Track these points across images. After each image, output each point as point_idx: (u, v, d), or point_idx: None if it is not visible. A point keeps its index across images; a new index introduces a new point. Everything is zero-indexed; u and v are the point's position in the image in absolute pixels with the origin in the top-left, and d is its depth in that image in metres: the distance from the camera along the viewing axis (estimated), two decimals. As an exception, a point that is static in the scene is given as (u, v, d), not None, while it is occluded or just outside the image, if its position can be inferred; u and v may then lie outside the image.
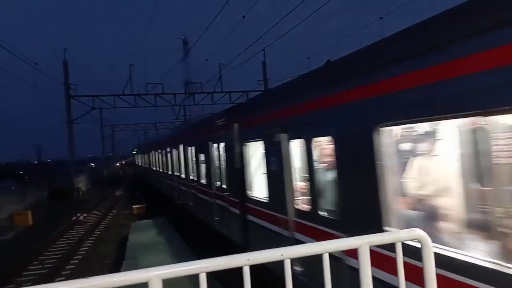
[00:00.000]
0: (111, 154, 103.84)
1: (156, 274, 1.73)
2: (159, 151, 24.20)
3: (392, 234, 1.85)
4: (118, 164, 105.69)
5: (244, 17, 19.79)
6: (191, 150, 14.07)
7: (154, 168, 27.76)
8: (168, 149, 19.83)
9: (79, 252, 14.95)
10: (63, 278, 11.61)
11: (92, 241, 16.78)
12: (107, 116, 65.82)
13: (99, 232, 18.69)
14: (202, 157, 12.32)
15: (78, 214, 23.05)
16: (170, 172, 19.71)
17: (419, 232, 1.80)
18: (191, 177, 14.29)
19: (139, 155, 45.83)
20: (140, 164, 44.94)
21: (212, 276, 8.99)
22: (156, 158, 26.49)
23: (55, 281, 1.83)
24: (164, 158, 21.87)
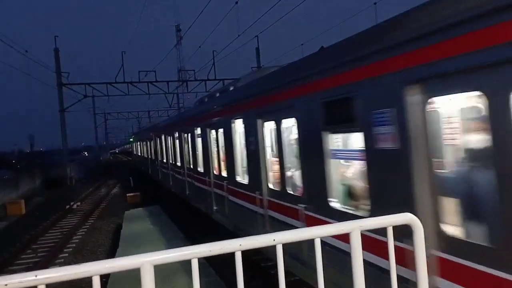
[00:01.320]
0: (104, 143, 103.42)
1: (148, 260, 1.72)
2: (175, 135, 15.97)
3: (384, 219, 1.86)
4: (110, 152, 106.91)
5: (237, 2, 19.57)
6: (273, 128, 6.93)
7: (164, 161, 19.58)
8: (199, 132, 11.91)
9: (73, 241, 14.95)
10: (57, 266, 11.63)
11: (85, 230, 16.77)
12: (100, 104, 65.25)
13: (92, 221, 18.68)
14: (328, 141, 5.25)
15: (72, 203, 22.99)
16: (195, 168, 12.63)
17: (410, 216, 1.82)
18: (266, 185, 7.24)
19: (139, 143, 36.75)
20: (139, 154, 35.29)
21: (207, 262, 9.07)
22: (168, 148, 18.17)
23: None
24: (186, 148, 13.88)
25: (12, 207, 22.22)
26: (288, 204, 6.21)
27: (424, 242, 1.81)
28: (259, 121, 7.09)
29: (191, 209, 14.04)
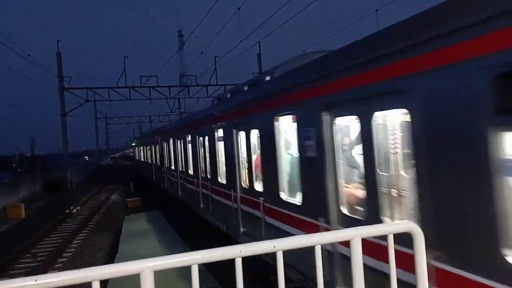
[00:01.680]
0: (105, 147, 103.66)
1: (148, 265, 1.72)
2: (187, 138, 13.93)
3: (384, 226, 1.86)
4: (110, 156, 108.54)
5: (239, 8, 19.68)
6: None
7: (171, 167, 17.78)
8: (220, 134, 10.09)
9: (72, 245, 14.91)
10: (56, 271, 11.59)
11: (85, 234, 16.73)
12: (101, 109, 65.58)
13: (92, 225, 18.64)
14: None
15: (72, 207, 22.97)
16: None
17: (410, 224, 1.81)
18: None
19: (142, 147, 34.02)
20: (142, 160, 33.51)
21: (206, 268, 9.03)
22: (176, 153, 16.26)
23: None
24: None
25: (12, 210, 22.21)
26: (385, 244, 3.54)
27: (424, 249, 1.81)
28: (325, 117, 4.93)
29: (191, 215, 14.01)
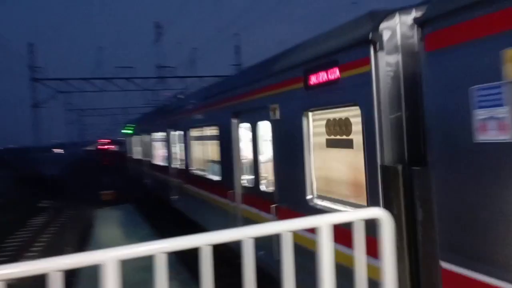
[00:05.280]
0: (78, 141, 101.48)
1: (112, 255, 1.67)
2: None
3: (353, 213, 1.85)
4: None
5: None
6: None
7: None
8: None
9: (41, 239, 14.57)
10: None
11: (56, 228, 16.36)
12: (75, 100, 64.01)
13: (63, 219, 18.24)
14: None
15: (43, 201, 22.43)
16: None
17: (378, 211, 1.81)
18: None
19: (146, 136, 17.48)
20: (144, 160, 17.98)
21: (180, 260, 8.96)
22: None
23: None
24: None
25: (-20, 204, 21.50)
26: None
27: (393, 236, 1.81)
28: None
29: (164, 208, 13.88)
